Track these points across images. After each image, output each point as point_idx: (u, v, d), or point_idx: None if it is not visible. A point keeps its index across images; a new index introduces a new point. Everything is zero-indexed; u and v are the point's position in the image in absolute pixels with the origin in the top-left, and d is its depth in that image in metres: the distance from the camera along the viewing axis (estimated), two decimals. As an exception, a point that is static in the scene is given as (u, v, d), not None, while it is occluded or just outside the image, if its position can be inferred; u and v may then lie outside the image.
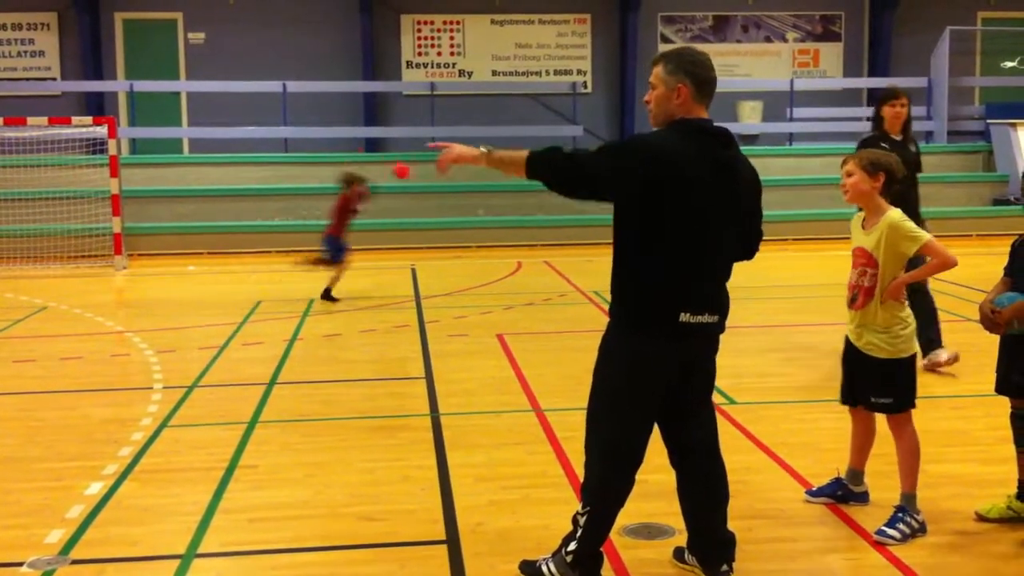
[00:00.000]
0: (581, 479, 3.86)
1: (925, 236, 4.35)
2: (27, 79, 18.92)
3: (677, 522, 4.32)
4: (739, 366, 7.38)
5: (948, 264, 4.45)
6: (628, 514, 4.08)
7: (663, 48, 20.12)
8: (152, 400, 6.74)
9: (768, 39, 20.58)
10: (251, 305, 10.43)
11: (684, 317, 3.59)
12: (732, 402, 6.45)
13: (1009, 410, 4.44)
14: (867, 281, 4.38)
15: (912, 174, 6.98)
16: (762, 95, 19.59)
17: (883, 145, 6.80)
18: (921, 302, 6.89)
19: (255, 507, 4.77)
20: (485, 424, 6.12)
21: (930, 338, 7.09)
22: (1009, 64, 20.91)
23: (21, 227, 14.42)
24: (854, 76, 20.63)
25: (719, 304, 3.71)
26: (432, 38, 19.83)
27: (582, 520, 3.77)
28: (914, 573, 3.98)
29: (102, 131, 14.41)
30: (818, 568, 4.07)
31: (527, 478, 5.14)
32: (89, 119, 14.89)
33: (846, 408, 4.65)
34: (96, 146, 15.15)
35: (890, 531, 4.25)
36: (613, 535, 4.08)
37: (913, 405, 4.40)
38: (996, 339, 4.43)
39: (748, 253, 3.92)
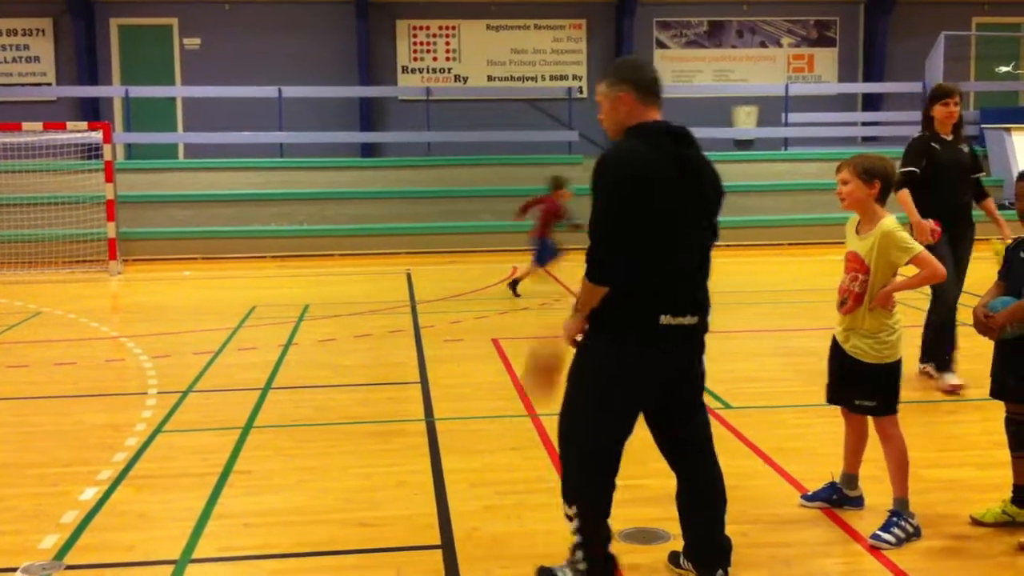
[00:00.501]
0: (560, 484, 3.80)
1: (917, 247, 4.35)
2: (22, 84, 18.92)
3: (673, 527, 4.32)
4: (734, 370, 7.39)
5: (937, 276, 4.47)
6: (624, 519, 4.08)
7: (658, 53, 20.22)
8: (146, 405, 6.73)
9: (763, 44, 20.62)
10: (246, 310, 10.42)
11: (665, 319, 3.55)
12: (727, 406, 6.45)
13: (1004, 414, 4.45)
14: (857, 287, 4.39)
15: (964, 176, 6.73)
16: (757, 100, 19.63)
17: (934, 146, 6.65)
18: (947, 318, 6.79)
19: (250, 512, 4.76)
20: (480, 429, 6.12)
21: (946, 356, 6.84)
22: (1004, 69, 20.97)
23: (16, 232, 14.40)
24: (849, 81, 20.68)
25: (699, 304, 3.67)
26: (428, 43, 19.85)
27: (575, 523, 3.71)
28: (909, 577, 3.99)
29: (97, 136, 14.42)
30: (813, 572, 4.07)
31: (522, 483, 5.13)
32: (84, 124, 14.88)
33: (840, 412, 4.66)
34: (91, 151, 15.16)
35: (885, 535, 4.26)
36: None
37: (895, 410, 4.41)
38: (991, 343, 4.43)
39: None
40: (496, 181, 16.75)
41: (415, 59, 19.85)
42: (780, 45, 20.67)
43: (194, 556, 4.27)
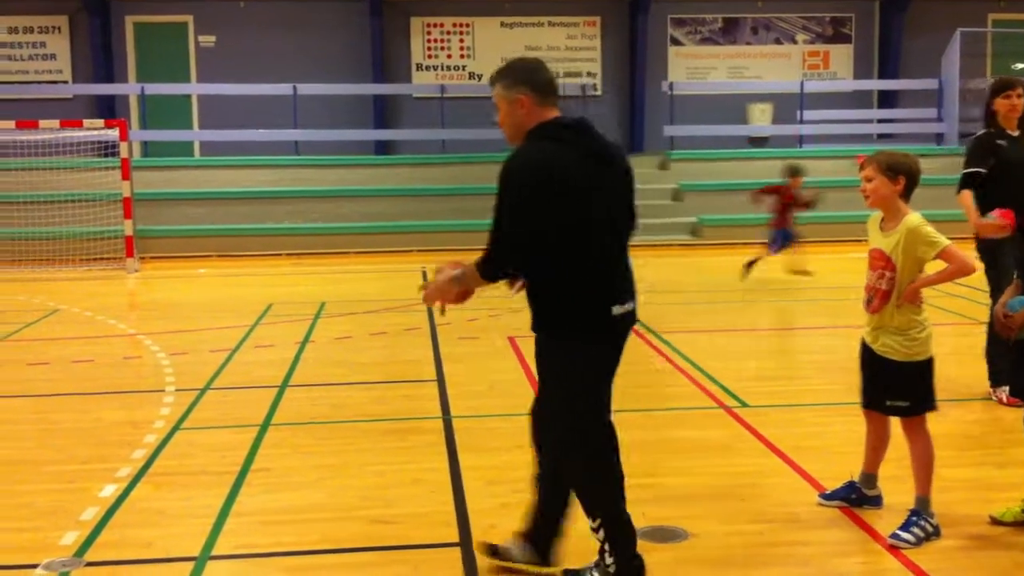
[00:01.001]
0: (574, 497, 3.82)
1: (944, 241, 4.29)
2: (39, 82, 19.02)
3: (689, 525, 4.32)
4: (750, 369, 7.37)
5: (966, 270, 4.37)
6: (640, 518, 4.08)
7: (672, 50, 20.18)
8: (164, 403, 6.76)
9: (778, 41, 20.56)
10: (262, 308, 10.46)
11: (616, 310, 3.63)
12: (744, 405, 6.44)
13: (1023, 413, 4.43)
14: (884, 284, 4.34)
15: None
16: (772, 97, 19.59)
17: (999, 143, 6.23)
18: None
19: (268, 510, 4.78)
20: (496, 427, 6.12)
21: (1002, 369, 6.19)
22: (1020, 65, 20.85)
23: (33, 230, 14.47)
24: (864, 78, 20.61)
25: (634, 291, 3.76)
26: (442, 41, 19.86)
27: (600, 534, 3.73)
28: (928, 577, 3.98)
29: (114, 134, 14.48)
30: (832, 572, 4.05)
31: (539, 481, 5.13)
32: (101, 122, 14.94)
33: (859, 411, 4.63)
34: (108, 149, 15.22)
35: (904, 535, 4.24)
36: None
37: (930, 408, 4.36)
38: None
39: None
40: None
41: (429, 56, 19.86)
42: (795, 42, 20.61)
43: (213, 553, 4.29)
